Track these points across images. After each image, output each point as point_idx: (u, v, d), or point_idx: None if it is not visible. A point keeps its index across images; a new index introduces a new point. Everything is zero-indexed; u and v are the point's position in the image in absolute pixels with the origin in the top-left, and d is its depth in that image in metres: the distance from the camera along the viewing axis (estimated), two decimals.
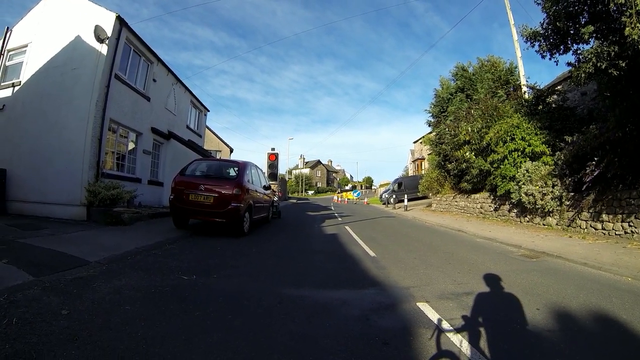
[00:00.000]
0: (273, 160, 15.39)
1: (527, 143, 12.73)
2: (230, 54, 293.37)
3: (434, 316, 3.69)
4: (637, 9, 6.95)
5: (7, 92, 10.96)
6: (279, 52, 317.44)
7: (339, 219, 16.35)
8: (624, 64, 7.83)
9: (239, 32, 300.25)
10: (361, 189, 76.70)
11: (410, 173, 48.17)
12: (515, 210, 13.37)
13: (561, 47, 9.38)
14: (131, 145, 12.89)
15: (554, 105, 13.87)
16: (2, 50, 11.37)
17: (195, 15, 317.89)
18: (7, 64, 11.56)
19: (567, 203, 10.80)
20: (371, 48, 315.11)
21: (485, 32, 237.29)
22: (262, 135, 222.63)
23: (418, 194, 28.28)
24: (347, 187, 77.47)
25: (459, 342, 3.08)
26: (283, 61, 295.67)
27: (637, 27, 6.94)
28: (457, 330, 3.32)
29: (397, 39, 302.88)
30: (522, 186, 11.93)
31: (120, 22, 10.88)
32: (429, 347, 3.00)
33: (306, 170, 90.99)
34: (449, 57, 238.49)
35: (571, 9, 8.54)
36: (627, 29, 7.05)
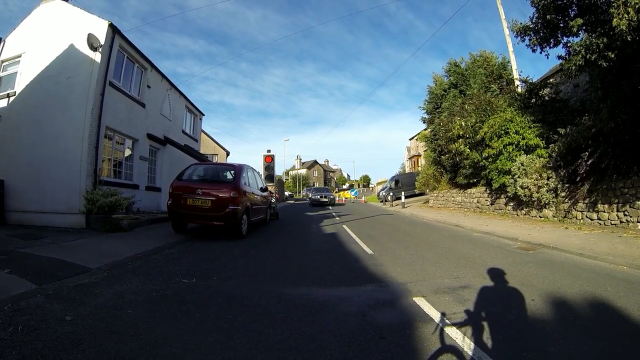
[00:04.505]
0: (269, 162, 15.41)
1: (521, 136, 12.82)
2: (212, 61, 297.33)
3: (429, 310, 3.76)
4: None
5: (3, 103, 10.99)
6: (258, 57, 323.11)
7: (337, 218, 16.39)
8: (613, 55, 7.91)
9: (217, 40, 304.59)
10: (358, 187, 76.76)
11: (407, 170, 48.31)
12: (511, 204, 13.45)
13: (551, 40, 9.44)
14: (128, 152, 12.92)
15: (546, 98, 13.98)
16: None
17: (173, 26, 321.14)
18: (1, 74, 11.59)
19: (563, 195, 10.89)
20: (349, 49, 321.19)
21: (460, 27, 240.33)
22: (254, 138, 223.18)
23: (415, 190, 28.40)
24: (344, 187, 77.56)
25: (454, 334, 3.15)
26: (263, 66, 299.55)
27: (625, 17, 6.99)
28: (453, 323, 3.39)
29: (373, 39, 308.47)
30: (518, 179, 12.02)
31: (113, 29, 10.92)
32: (425, 339, 3.06)
33: (303, 171, 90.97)
34: (428, 53, 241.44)
35: (560, 2, 8.62)
36: (615, 19, 7.11)
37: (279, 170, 76.74)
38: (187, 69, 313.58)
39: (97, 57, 10.34)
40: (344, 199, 44.62)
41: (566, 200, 10.74)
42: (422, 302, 4.00)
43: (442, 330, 3.22)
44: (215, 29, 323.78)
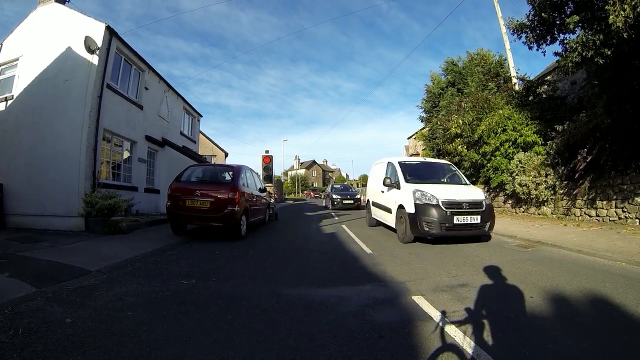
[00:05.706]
0: (268, 162, 15.39)
1: (518, 133, 12.85)
2: (206, 63, 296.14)
3: (429, 309, 3.76)
4: None
5: (1, 107, 10.95)
6: (252, 58, 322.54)
7: (336, 218, 16.37)
8: (609, 52, 7.94)
9: (212, 42, 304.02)
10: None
11: None
12: (510, 201, 13.49)
13: (548, 37, 9.48)
14: (126, 154, 12.91)
15: (544, 96, 14.02)
16: None
17: (167, 29, 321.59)
18: None
19: (561, 192, 10.91)
20: (343, 50, 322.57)
21: (453, 26, 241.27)
22: (251, 139, 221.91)
23: None
24: None
25: (454, 332, 3.15)
26: (258, 67, 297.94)
27: (621, 14, 7.01)
28: (452, 322, 3.39)
29: (367, 39, 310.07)
30: (516, 177, 12.05)
31: (110, 32, 10.90)
32: (425, 338, 3.07)
33: (302, 171, 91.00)
34: (422, 53, 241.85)
35: None
36: (611, 16, 7.13)
37: (277, 171, 76.57)
38: (182, 71, 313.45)
39: (94, 59, 10.32)
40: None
41: (564, 197, 10.77)
42: (421, 301, 4.01)
43: (442, 329, 3.23)
44: (209, 31, 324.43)
